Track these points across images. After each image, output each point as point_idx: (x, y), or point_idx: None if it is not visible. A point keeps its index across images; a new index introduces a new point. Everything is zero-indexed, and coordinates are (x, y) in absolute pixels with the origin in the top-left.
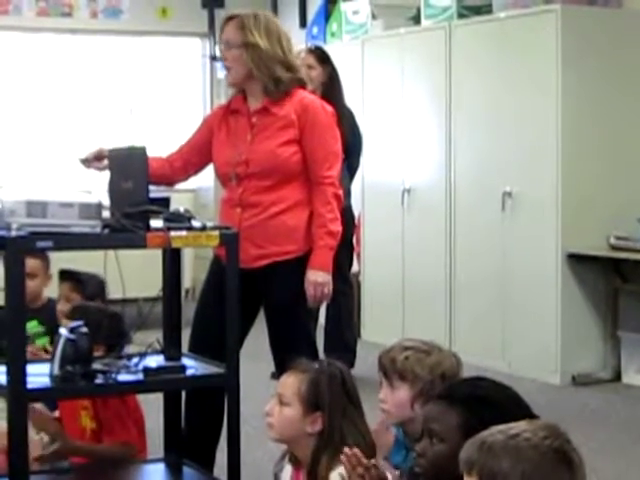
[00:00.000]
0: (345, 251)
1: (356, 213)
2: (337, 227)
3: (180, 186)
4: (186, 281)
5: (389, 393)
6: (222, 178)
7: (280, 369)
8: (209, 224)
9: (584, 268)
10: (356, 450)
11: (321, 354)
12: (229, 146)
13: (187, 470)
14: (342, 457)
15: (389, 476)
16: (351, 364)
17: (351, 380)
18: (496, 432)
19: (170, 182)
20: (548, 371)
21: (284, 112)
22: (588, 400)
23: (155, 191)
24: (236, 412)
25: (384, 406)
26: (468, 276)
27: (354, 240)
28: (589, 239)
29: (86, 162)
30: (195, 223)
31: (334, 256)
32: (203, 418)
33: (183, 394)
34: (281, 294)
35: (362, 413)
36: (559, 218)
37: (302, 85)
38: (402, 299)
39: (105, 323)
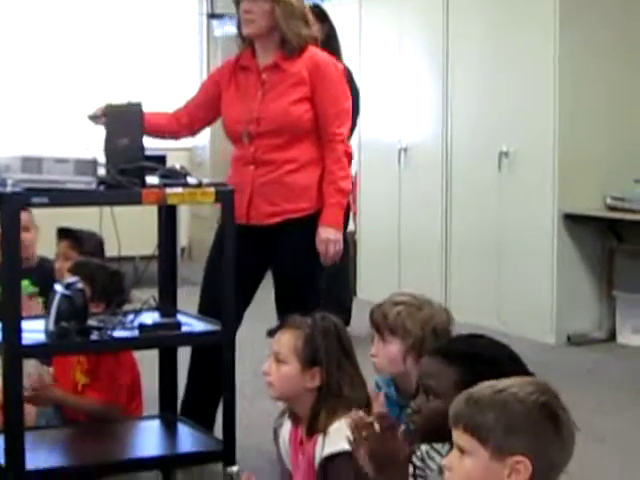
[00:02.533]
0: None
1: (353, 172)
2: (348, 185)
3: (176, 144)
4: (182, 240)
5: (381, 348)
6: (233, 136)
7: None
8: (205, 181)
9: (580, 228)
10: (361, 413)
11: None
12: (239, 103)
13: (182, 427)
14: (349, 423)
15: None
16: (346, 322)
17: (345, 333)
18: (484, 387)
19: (177, 137)
20: (543, 331)
21: (295, 69)
22: (583, 360)
23: (151, 149)
24: (231, 370)
25: (376, 360)
26: (464, 235)
27: (350, 199)
28: (585, 199)
29: (94, 119)
30: (191, 180)
31: None
32: (205, 379)
33: (183, 354)
34: (293, 251)
35: (357, 366)
36: (555, 178)
37: (315, 42)
38: (398, 258)
39: (106, 280)
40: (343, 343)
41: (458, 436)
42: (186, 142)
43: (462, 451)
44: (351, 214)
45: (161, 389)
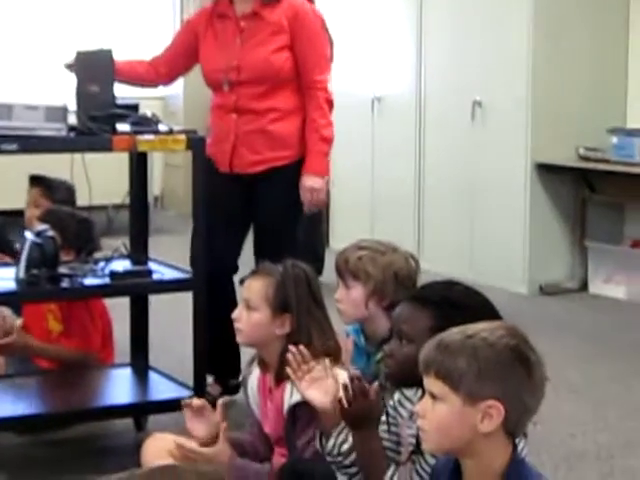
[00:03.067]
0: None
1: None
2: (330, 132)
3: (149, 93)
4: (155, 189)
5: (344, 293)
6: (212, 84)
7: None
8: (176, 128)
9: (553, 178)
10: (301, 347)
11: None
12: (219, 51)
13: (153, 375)
14: (289, 356)
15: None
16: (319, 272)
17: (316, 281)
18: (454, 332)
19: (155, 86)
20: (516, 280)
21: (275, 17)
22: (555, 310)
23: (124, 98)
24: (203, 318)
25: (340, 306)
26: (437, 185)
27: None
28: (558, 149)
29: (71, 67)
30: (162, 127)
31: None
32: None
33: (155, 302)
34: (277, 200)
35: (327, 314)
36: (529, 128)
37: None
38: (371, 208)
39: (76, 228)
40: (313, 291)
41: (430, 382)
42: (159, 91)
43: (434, 397)
44: None
45: (132, 337)
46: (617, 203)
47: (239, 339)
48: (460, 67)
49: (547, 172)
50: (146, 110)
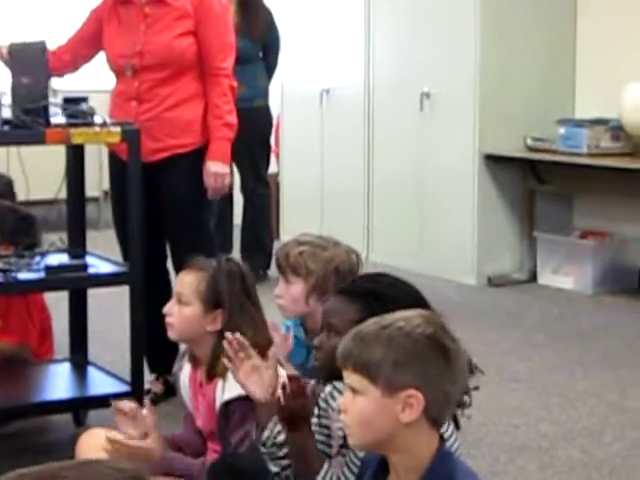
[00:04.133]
0: (262, 151)
1: (275, 114)
2: (234, 119)
3: (99, 86)
4: (104, 183)
5: (284, 288)
6: (116, 70)
7: (178, 266)
8: (110, 120)
9: (501, 169)
10: (238, 335)
11: (237, 255)
12: (122, 37)
13: (92, 370)
14: (224, 343)
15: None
16: (267, 265)
17: (250, 277)
18: (370, 323)
19: (59, 74)
20: (464, 272)
21: (179, 3)
22: (503, 301)
23: (73, 91)
24: (139, 311)
25: (280, 301)
26: (386, 177)
27: (272, 140)
28: (506, 140)
29: (4, 60)
30: (97, 119)
31: (250, 156)
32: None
33: (95, 297)
34: (181, 187)
35: (261, 310)
36: (476, 119)
37: None
38: (321, 200)
39: (15, 223)
40: (247, 286)
41: (348, 376)
42: (110, 83)
43: (354, 391)
44: (273, 155)
45: (71, 332)
46: (566, 194)
47: (170, 334)
48: (408, 59)
49: (495, 163)
50: (98, 106)
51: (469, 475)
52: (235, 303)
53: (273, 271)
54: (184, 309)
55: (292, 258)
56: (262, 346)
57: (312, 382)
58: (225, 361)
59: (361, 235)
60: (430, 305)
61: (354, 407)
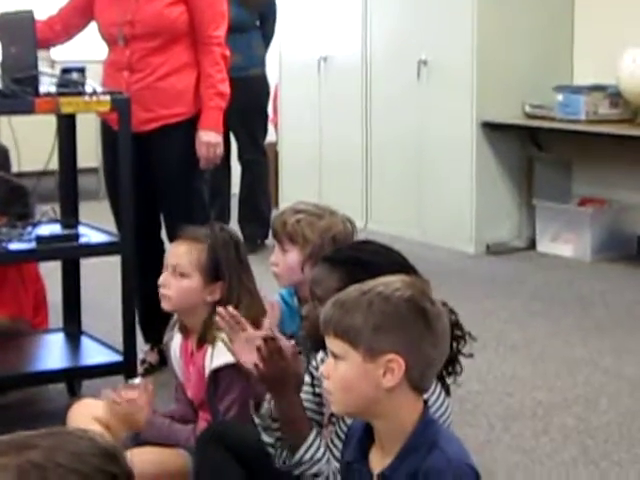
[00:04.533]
0: (259, 120)
1: (273, 83)
2: (226, 88)
3: (97, 57)
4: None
5: (280, 257)
6: (108, 39)
7: (172, 236)
8: (100, 89)
9: (499, 137)
10: (230, 309)
11: (235, 224)
12: (114, 6)
13: (85, 339)
14: (217, 319)
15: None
16: (265, 234)
17: (243, 245)
18: (351, 290)
19: (52, 45)
20: (463, 240)
21: None
22: (502, 269)
23: (70, 61)
24: (130, 282)
25: (275, 269)
26: (384, 145)
27: (269, 109)
28: (504, 108)
29: None
30: (87, 89)
31: (247, 125)
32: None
33: (87, 267)
34: (173, 157)
35: (253, 278)
36: (474, 86)
37: None
38: (319, 169)
39: (8, 194)
40: (241, 255)
41: (330, 342)
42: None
43: (336, 357)
44: (271, 125)
45: (65, 302)
46: (564, 161)
47: (166, 306)
48: (405, 26)
49: (493, 130)
50: (94, 77)
51: (452, 441)
52: (234, 274)
53: (271, 240)
54: (183, 281)
55: (289, 226)
56: (257, 316)
57: (291, 342)
58: (221, 335)
59: (359, 203)
60: (417, 271)
61: (336, 373)
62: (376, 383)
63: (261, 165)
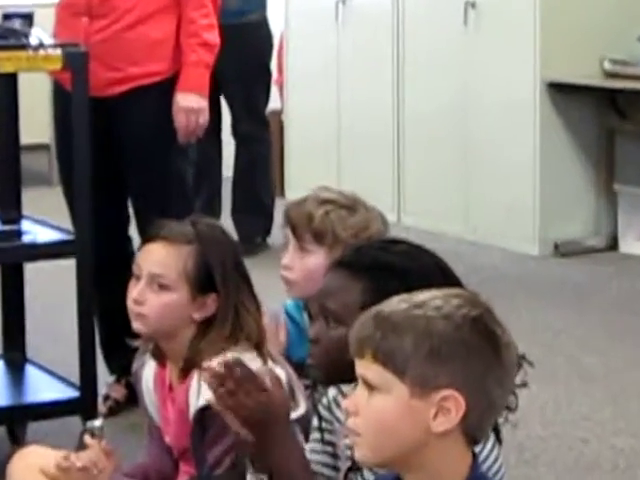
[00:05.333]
0: (259, 81)
1: (277, 32)
2: (214, 37)
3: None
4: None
5: (297, 258)
6: None
7: (145, 232)
8: (48, 41)
9: (570, 102)
10: (212, 365)
11: (227, 218)
12: None
13: (31, 369)
14: (202, 377)
15: (281, 374)
16: (267, 230)
17: (238, 247)
18: (396, 301)
19: None
20: (523, 238)
21: None
22: (575, 275)
23: (16, 6)
24: (89, 293)
25: (289, 275)
26: (421, 114)
27: (273, 67)
28: (577, 64)
29: None
30: (32, 40)
31: (244, 88)
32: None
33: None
34: (146, 129)
35: (252, 288)
36: (537, 36)
37: None
38: (337, 146)
39: None
40: (238, 260)
41: (365, 367)
42: None
43: (371, 388)
44: (275, 87)
45: (5, 321)
46: None
47: (141, 328)
48: None
49: (562, 94)
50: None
51: None
52: (230, 283)
53: (275, 238)
54: (164, 295)
55: (317, 220)
56: (259, 338)
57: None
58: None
59: (389, 191)
60: (459, 280)
61: (370, 408)
62: (423, 426)
63: (262, 141)
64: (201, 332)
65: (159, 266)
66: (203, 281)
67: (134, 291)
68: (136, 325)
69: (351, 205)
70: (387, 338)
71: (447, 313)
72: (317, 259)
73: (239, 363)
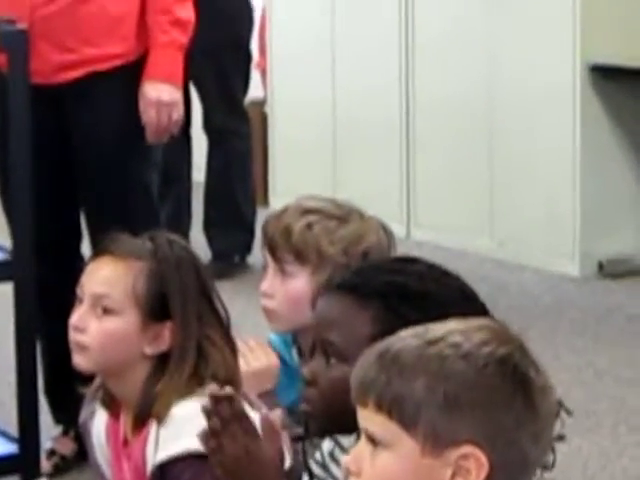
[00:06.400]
0: (237, 64)
1: (259, 7)
2: (189, 14)
3: None
4: None
5: (278, 284)
6: None
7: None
8: None
9: (617, 89)
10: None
11: (199, 231)
12: None
13: None
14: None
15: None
16: (247, 247)
17: (205, 268)
18: (407, 336)
19: None
20: (561, 255)
21: None
22: (624, 300)
23: None
24: (30, 325)
25: (269, 304)
26: (435, 104)
27: (253, 47)
28: (623, 45)
29: None
30: None
31: (218, 73)
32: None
33: None
34: (103, 125)
35: (220, 315)
36: (577, 12)
37: None
38: (332, 143)
39: None
40: (203, 282)
41: (368, 418)
42: None
43: (375, 442)
44: (256, 71)
45: None
46: None
47: (81, 361)
48: None
49: (608, 79)
50: None
51: None
52: (191, 310)
53: (256, 256)
54: (108, 321)
55: (296, 235)
56: (229, 377)
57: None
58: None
59: (397, 199)
60: (488, 310)
61: (374, 467)
62: None
63: (241, 137)
64: (156, 371)
65: (103, 285)
66: (157, 306)
67: (74, 316)
68: (76, 359)
69: (342, 215)
70: (393, 383)
71: (467, 351)
72: (300, 282)
73: (230, 398)
